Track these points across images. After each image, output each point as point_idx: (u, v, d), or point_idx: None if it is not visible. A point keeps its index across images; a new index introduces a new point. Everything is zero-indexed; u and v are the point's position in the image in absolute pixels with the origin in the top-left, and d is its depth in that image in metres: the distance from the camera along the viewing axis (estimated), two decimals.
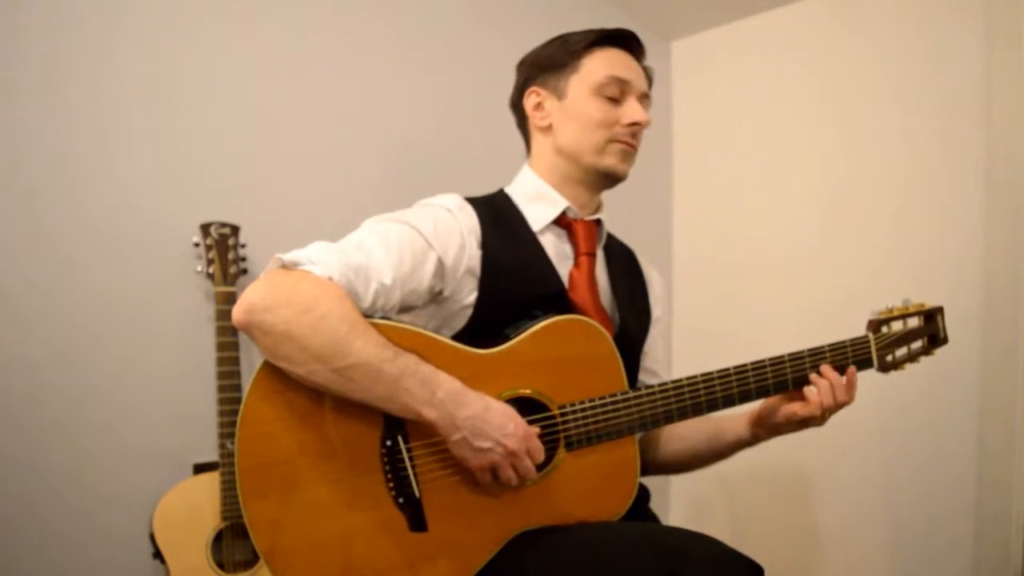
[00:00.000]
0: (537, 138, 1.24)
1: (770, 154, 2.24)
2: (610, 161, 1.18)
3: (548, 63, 1.20)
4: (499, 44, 2.03)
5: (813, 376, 1.14)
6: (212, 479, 1.46)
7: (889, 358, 1.21)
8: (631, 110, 1.17)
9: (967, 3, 1.84)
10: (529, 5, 2.10)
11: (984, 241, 1.81)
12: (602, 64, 1.17)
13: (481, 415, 0.94)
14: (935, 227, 1.90)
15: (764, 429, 1.20)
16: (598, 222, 1.25)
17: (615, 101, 1.17)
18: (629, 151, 1.19)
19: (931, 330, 1.25)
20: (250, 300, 0.92)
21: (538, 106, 1.22)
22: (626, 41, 1.20)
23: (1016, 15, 1.75)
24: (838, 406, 1.14)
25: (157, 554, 1.42)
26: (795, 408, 1.14)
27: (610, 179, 1.21)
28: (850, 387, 1.15)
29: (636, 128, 1.18)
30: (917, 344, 1.23)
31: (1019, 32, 1.75)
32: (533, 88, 1.22)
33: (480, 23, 2.01)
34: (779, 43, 2.22)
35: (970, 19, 1.84)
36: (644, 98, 1.21)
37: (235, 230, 1.52)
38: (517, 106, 1.27)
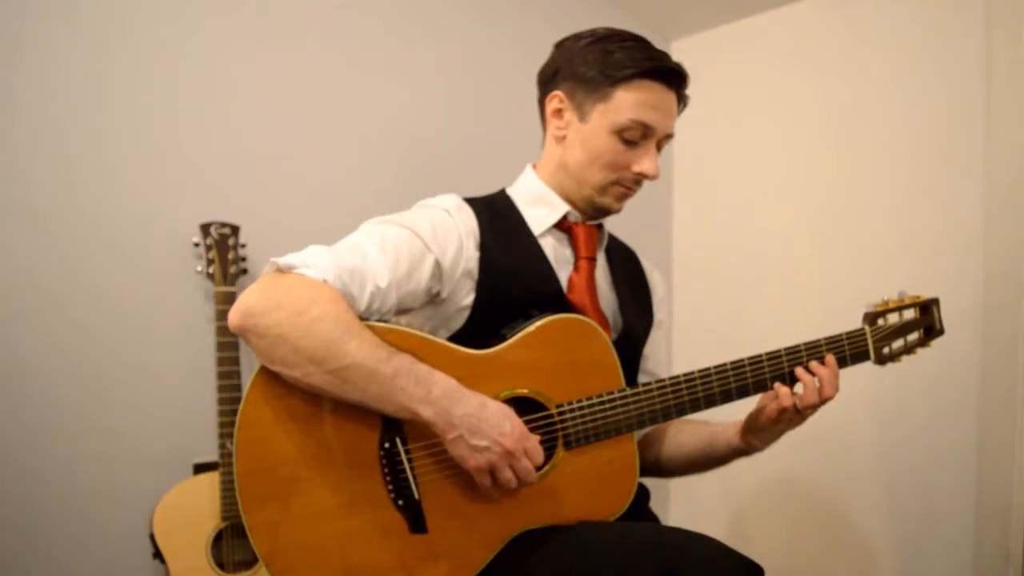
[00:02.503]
0: (549, 142, 1.20)
1: (770, 153, 2.24)
2: (607, 201, 1.17)
3: (581, 75, 1.12)
4: (499, 44, 2.03)
5: (800, 371, 1.13)
6: (212, 479, 1.47)
7: (886, 350, 1.21)
8: (644, 161, 1.13)
9: (967, 2, 1.84)
10: (530, 5, 2.09)
11: (984, 239, 1.80)
12: (632, 104, 1.10)
13: (478, 413, 0.94)
14: (935, 226, 1.89)
15: (753, 434, 1.18)
16: (599, 226, 1.24)
17: (633, 143, 1.12)
18: (627, 194, 1.17)
19: (927, 322, 1.25)
20: (245, 304, 0.92)
21: (558, 113, 1.16)
22: (668, 76, 1.12)
23: (1016, 14, 1.75)
24: (822, 401, 1.12)
25: (157, 554, 1.42)
26: (772, 405, 1.12)
27: (603, 214, 1.20)
28: (831, 381, 1.13)
29: (644, 178, 1.15)
30: (913, 336, 1.24)
31: (1019, 31, 1.75)
32: (557, 92, 1.16)
33: (480, 22, 2.00)
34: (779, 43, 2.22)
35: (970, 17, 1.83)
36: (667, 139, 1.16)
37: (235, 230, 1.52)
38: (544, 87, 1.20)
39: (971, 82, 1.83)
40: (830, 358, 1.15)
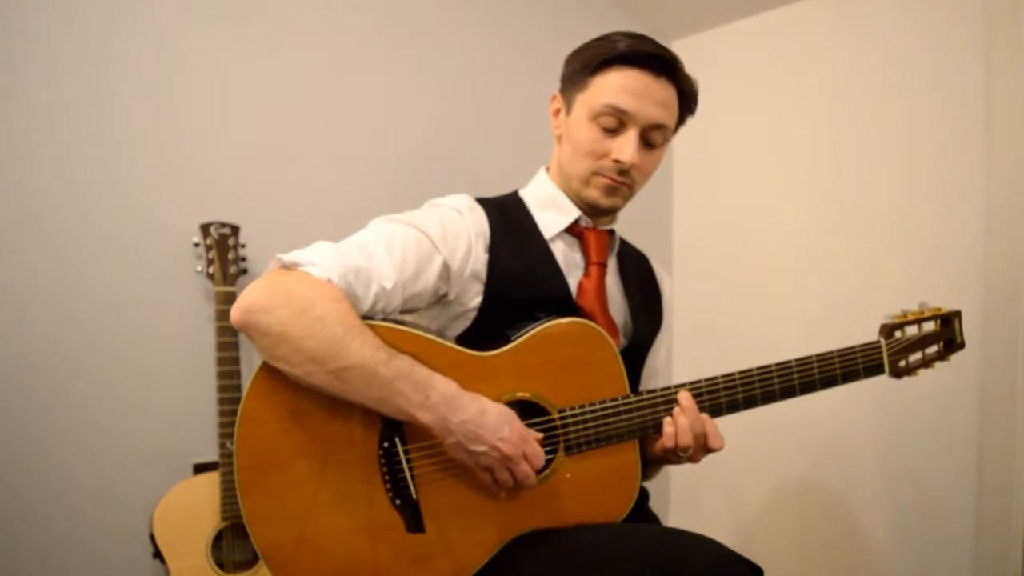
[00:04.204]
0: (554, 143, 1.20)
1: (770, 154, 2.24)
2: (592, 194, 1.13)
3: (570, 71, 1.14)
4: (500, 44, 2.03)
5: (674, 412, 1.06)
6: (212, 479, 1.47)
7: (902, 363, 1.18)
8: (620, 146, 1.08)
9: (967, 3, 1.84)
10: (531, 5, 2.09)
11: (985, 239, 1.80)
12: (607, 89, 1.07)
13: (476, 419, 0.93)
14: (936, 226, 1.89)
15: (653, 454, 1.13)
16: (611, 232, 1.22)
17: (612, 131, 1.09)
18: (614, 187, 1.12)
19: (947, 335, 1.21)
20: (248, 300, 0.91)
21: (556, 112, 1.18)
22: (648, 62, 1.07)
23: (1016, 14, 1.75)
24: (676, 449, 1.06)
25: (157, 554, 1.42)
26: (660, 440, 1.08)
27: (594, 210, 1.16)
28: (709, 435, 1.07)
29: (620, 166, 1.09)
30: (932, 349, 1.20)
31: (1019, 33, 1.75)
32: (556, 93, 1.17)
33: (481, 23, 2.00)
34: (779, 43, 2.22)
35: (969, 19, 1.83)
36: (655, 129, 1.10)
37: (235, 230, 1.52)
38: None
39: (971, 83, 1.83)
40: (686, 403, 1.07)
